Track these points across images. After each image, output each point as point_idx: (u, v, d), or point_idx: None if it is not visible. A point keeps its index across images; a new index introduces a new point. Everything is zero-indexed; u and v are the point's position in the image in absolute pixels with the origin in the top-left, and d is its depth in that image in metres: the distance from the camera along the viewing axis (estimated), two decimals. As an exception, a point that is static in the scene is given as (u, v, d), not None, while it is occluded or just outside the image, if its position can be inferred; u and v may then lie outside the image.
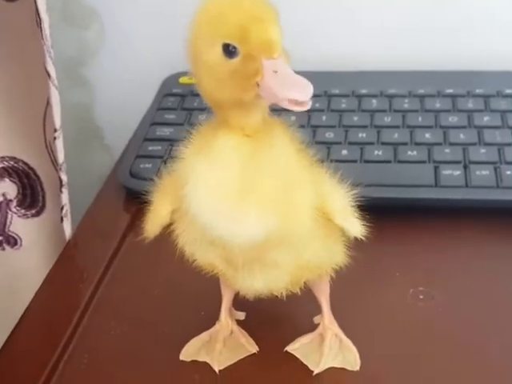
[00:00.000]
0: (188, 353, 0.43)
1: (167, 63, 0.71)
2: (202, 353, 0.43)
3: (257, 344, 0.43)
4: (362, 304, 0.45)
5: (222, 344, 0.43)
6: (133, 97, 0.74)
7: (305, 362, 0.42)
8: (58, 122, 0.49)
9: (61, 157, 0.51)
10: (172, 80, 0.67)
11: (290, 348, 0.43)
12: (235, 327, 0.44)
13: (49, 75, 0.47)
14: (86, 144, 0.79)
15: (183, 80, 0.66)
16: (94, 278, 0.49)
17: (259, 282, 0.39)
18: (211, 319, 0.45)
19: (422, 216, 0.51)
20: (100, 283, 0.49)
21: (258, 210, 0.34)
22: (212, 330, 0.44)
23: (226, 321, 0.44)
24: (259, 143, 0.35)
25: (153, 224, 0.39)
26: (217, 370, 0.42)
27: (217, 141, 0.35)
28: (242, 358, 0.43)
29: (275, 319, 0.45)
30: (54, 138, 0.50)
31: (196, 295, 0.47)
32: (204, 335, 0.44)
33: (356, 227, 0.38)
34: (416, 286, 0.46)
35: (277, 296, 0.40)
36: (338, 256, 0.41)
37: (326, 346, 0.42)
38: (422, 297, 0.46)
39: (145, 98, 0.68)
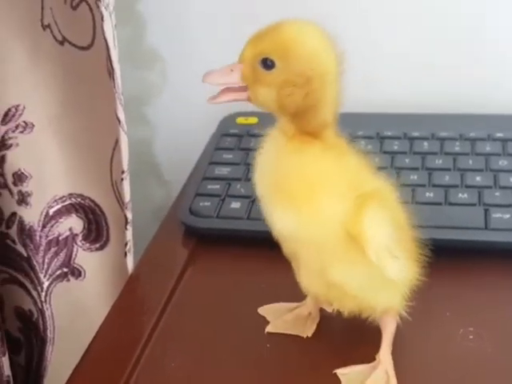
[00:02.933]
0: (265, 308, 0.49)
1: (225, 104, 0.74)
2: (271, 313, 0.49)
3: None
4: (412, 343, 0.46)
5: (291, 316, 0.48)
6: (191, 134, 0.77)
7: None
8: (125, 165, 0.52)
9: (127, 196, 0.53)
10: (229, 120, 0.70)
11: (339, 371, 0.44)
12: (315, 313, 0.48)
13: (119, 121, 0.49)
14: (144, 178, 0.82)
15: (240, 120, 0.69)
16: (155, 311, 0.51)
17: (303, 282, 0.43)
18: (276, 352, 0.47)
19: (472, 257, 0.52)
20: (161, 316, 0.51)
21: (282, 207, 0.39)
22: (298, 303, 0.48)
23: (310, 302, 0.48)
24: (298, 144, 0.39)
25: None
26: (266, 330, 0.48)
27: (268, 140, 0.41)
28: (290, 333, 0.47)
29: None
30: (122, 179, 0.52)
31: (259, 327, 0.49)
32: (289, 304, 0.49)
33: (392, 268, 0.40)
34: (466, 327, 0.47)
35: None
36: (385, 296, 0.43)
37: (371, 380, 0.43)
38: (471, 337, 0.46)
39: (203, 135, 0.71)
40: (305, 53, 0.38)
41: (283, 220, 0.40)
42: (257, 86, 0.38)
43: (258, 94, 0.39)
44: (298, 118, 0.39)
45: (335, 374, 0.44)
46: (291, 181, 0.39)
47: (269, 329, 0.48)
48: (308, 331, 0.47)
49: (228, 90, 0.40)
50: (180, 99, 0.77)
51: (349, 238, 0.39)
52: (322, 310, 0.48)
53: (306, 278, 0.43)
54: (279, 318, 0.48)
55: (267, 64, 0.38)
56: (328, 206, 0.39)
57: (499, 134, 0.63)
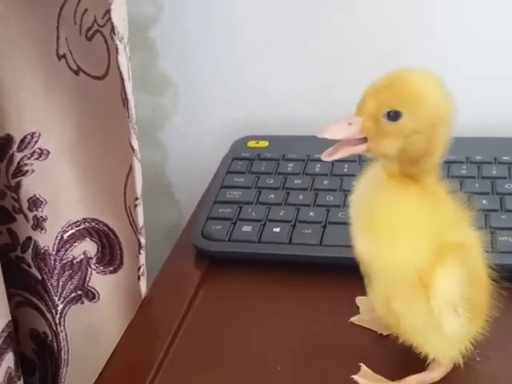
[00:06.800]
0: (363, 299, 0.51)
1: (236, 127, 0.75)
2: (364, 305, 0.51)
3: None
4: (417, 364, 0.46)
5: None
6: (202, 157, 0.78)
7: None
8: (139, 192, 0.53)
9: (141, 222, 0.54)
10: (240, 144, 0.71)
11: (357, 377, 0.45)
12: None
13: (133, 149, 0.50)
14: (157, 199, 0.83)
15: (251, 144, 0.70)
16: (168, 335, 0.51)
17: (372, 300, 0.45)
18: (288, 374, 0.47)
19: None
20: (174, 339, 0.51)
21: (367, 235, 0.41)
22: None
23: None
24: (398, 185, 0.40)
25: None
26: (350, 320, 0.50)
27: (369, 172, 0.42)
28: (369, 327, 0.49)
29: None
30: (135, 206, 0.53)
31: (270, 350, 0.49)
32: None
33: (450, 324, 0.41)
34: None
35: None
36: (438, 344, 0.43)
37: None
38: (478, 359, 0.46)
39: (214, 158, 0.72)
40: (431, 101, 0.38)
41: (364, 247, 0.42)
42: (381, 137, 0.39)
43: (382, 145, 0.39)
44: (410, 163, 0.40)
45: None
46: (382, 215, 0.40)
47: (353, 320, 0.50)
48: (386, 330, 0.48)
49: (344, 143, 0.40)
50: (191, 123, 0.78)
51: (417, 282, 0.40)
52: None
53: (373, 297, 0.45)
54: (369, 312, 0.50)
55: (393, 116, 0.38)
56: (407, 248, 0.40)
57: (505, 158, 0.64)
